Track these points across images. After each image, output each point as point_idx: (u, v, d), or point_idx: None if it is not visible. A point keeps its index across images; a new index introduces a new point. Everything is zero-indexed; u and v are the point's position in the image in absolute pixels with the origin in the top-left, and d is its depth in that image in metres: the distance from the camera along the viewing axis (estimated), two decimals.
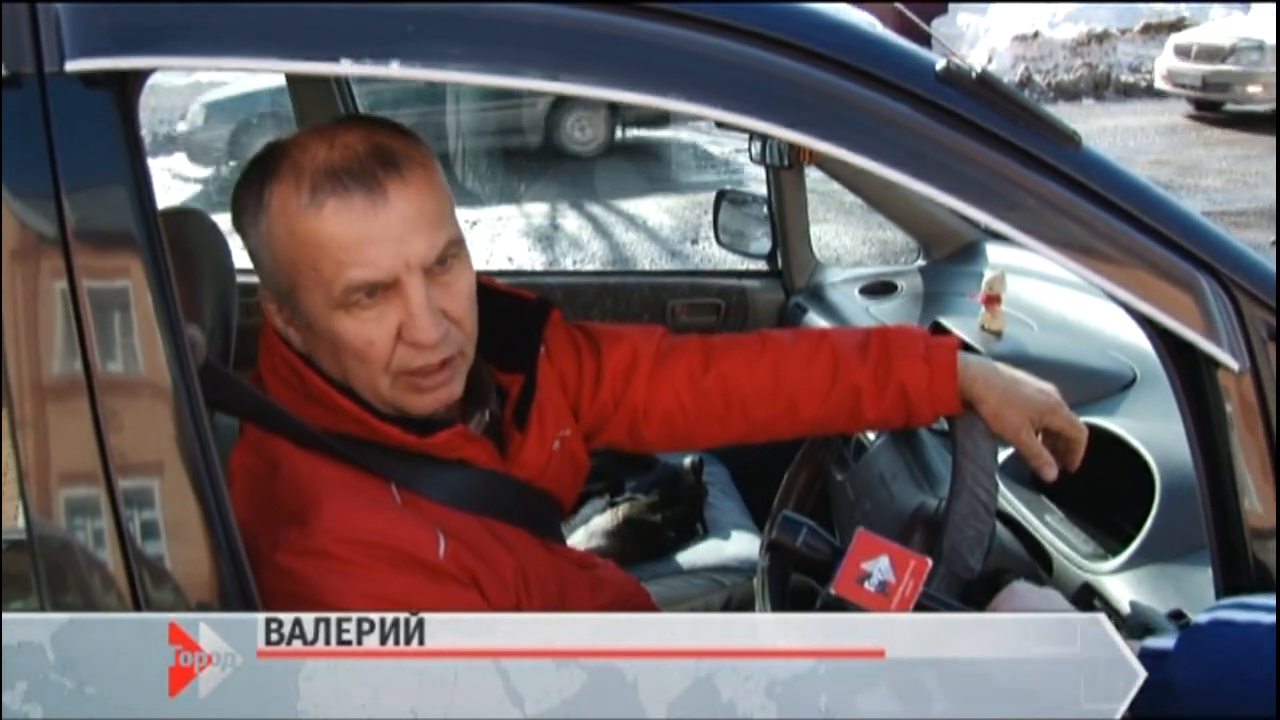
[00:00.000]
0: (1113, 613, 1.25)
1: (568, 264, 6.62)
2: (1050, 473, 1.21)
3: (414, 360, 1.01)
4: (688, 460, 2.08)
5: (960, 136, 0.91)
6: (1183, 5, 13.80)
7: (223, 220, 1.22)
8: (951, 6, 14.33)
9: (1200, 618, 0.91)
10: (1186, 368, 1.01)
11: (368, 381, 1.02)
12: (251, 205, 1.00)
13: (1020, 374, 1.23)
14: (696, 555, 1.94)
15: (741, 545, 1.96)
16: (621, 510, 2.00)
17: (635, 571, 1.69)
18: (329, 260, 0.96)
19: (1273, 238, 6.16)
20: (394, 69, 0.84)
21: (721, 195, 2.67)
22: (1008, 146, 0.93)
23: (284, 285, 1.00)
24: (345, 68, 0.85)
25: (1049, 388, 1.23)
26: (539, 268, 6.39)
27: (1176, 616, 1.18)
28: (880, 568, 0.99)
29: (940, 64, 0.91)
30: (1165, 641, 0.90)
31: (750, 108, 0.89)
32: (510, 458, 1.14)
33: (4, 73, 0.79)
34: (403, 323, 0.99)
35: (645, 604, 1.32)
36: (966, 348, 1.82)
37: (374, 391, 1.03)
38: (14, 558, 0.85)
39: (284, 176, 0.98)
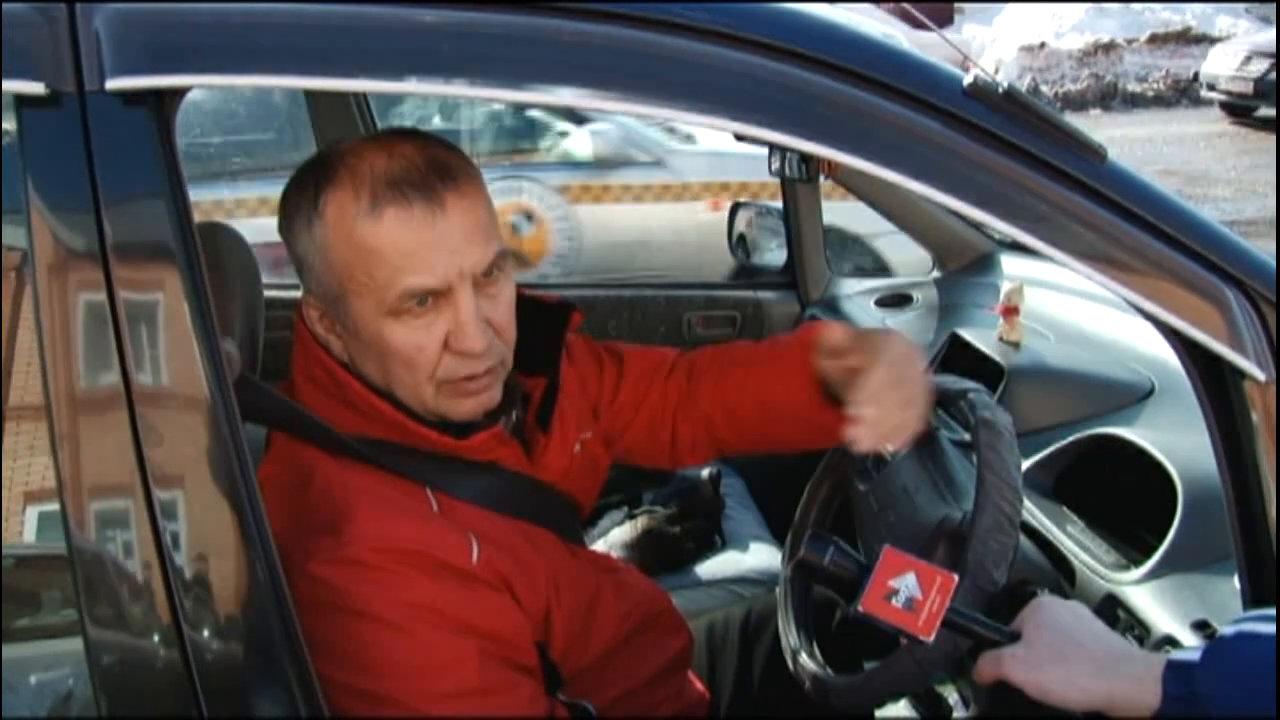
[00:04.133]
0: (1137, 623, 1.25)
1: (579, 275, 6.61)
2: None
3: (460, 369, 1.03)
4: (705, 472, 2.08)
5: (987, 150, 0.92)
6: (1189, 15, 13.82)
7: None
8: (957, 18, 14.36)
9: (1225, 630, 0.91)
10: (1212, 378, 1.01)
11: (412, 389, 1.04)
12: (305, 210, 1.01)
13: None
14: (715, 567, 1.95)
15: (760, 557, 1.96)
16: (640, 522, 2.01)
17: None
18: (385, 267, 0.98)
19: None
20: (429, 86, 0.86)
21: (737, 207, 2.68)
22: (1034, 160, 0.93)
23: (333, 291, 1.02)
24: (377, 85, 0.86)
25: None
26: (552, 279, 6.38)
27: (1201, 626, 1.18)
28: (907, 584, 0.98)
29: (968, 79, 0.92)
30: (1191, 654, 0.90)
31: (779, 122, 0.90)
32: (535, 460, 1.16)
33: (46, 91, 0.80)
34: (450, 331, 1.01)
35: (668, 610, 1.32)
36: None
37: (417, 398, 1.05)
38: (52, 571, 0.86)
39: (341, 183, 0.99)
